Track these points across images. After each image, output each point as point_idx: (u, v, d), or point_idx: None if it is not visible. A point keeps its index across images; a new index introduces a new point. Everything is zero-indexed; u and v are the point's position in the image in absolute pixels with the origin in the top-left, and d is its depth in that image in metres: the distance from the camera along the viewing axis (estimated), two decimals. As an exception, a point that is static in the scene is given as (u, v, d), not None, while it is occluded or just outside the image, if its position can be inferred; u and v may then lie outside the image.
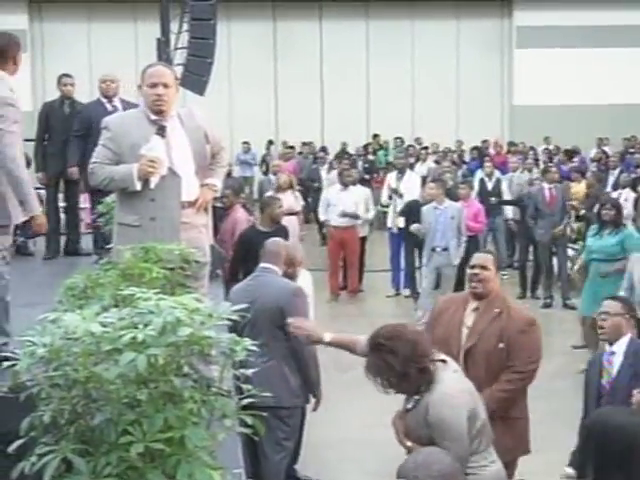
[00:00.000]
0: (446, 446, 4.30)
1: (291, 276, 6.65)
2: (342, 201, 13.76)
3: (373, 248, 15.91)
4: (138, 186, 5.22)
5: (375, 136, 26.28)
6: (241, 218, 10.60)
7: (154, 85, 5.25)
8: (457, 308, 5.74)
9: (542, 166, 17.41)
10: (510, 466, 5.45)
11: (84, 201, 10.50)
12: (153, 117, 5.31)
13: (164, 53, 13.20)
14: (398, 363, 4.42)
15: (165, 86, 5.26)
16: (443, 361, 4.60)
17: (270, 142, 26.60)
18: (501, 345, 5.52)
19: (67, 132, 9.42)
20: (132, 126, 5.32)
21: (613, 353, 5.71)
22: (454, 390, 4.47)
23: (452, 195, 12.89)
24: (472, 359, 5.52)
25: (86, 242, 9.96)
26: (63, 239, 10.15)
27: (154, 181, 5.25)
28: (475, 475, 4.50)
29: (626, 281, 8.57)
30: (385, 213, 15.38)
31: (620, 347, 5.69)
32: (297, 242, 9.99)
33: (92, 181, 5.47)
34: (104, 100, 9.44)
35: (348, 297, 14.10)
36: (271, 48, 27.55)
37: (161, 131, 5.30)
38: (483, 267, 5.68)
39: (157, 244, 4.21)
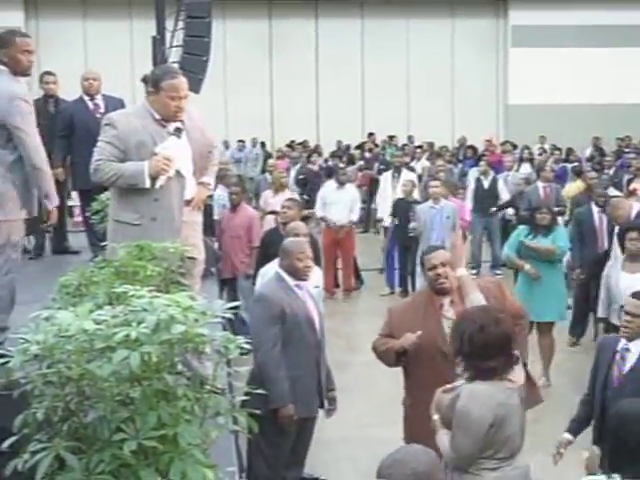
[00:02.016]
0: (457, 436, 4.50)
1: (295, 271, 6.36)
2: (339, 199, 13.82)
3: (367, 246, 15.93)
4: (148, 183, 5.18)
5: (370, 135, 26.25)
6: (256, 215, 10.74)
7: (177, 98, 5.26)
8: (426, 309, 5.69)
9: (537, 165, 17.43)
10: None
11: (74, 199, 10.45)
12: (157, 116, 5.31)
13: (159, 51, 13.14)
14: (482, 337, 4.49)
15: (185, 98, 5.33)
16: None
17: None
18: None
19: (53, 131, 9.10)
20: (138, 125, 5.30)
21: (628, 350, 5.60)
22: (491, 393, 4.50)
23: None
24: None
25: (77, 240, 9.92)
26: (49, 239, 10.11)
27: (162, 181, 5.23)
28: (474, 475, 4.55)
29: (603, 288, 8.57)
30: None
31: (637, 346, 5.57)
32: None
33: (97, 178, 5.36)
34: (86, 98, 9.31)
35: (343, 295, 14.10)
36: (266, 46, 27.55)
37: (177, 132, 5.30)
38: (443, 264, 5.65)
39: (153, 242, 4.21)
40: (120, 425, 2.45)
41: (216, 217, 11.05)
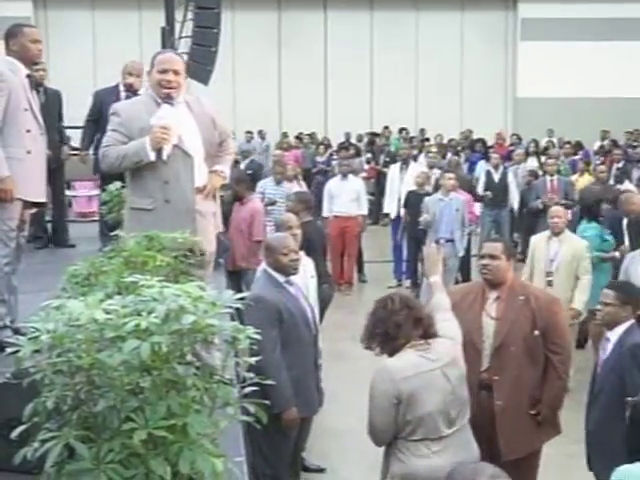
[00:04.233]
0: (369, 411, 4.72)
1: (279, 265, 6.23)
2: (343, 191, 13.82)
3: (375, 239, 15.92)
4: (152, 156, 5.18)
5: (386, 127, 26.03)
6: (260, 209, 10.72)
7: (164, 71, 5.29)
8: (475, 298, 5.73)
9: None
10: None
11: (89, 189, 10.44)
12: (160, 101, 5.31)
13: (168, 42, 13.16)
14: (371, 321, 4.82)
15: (175, 73, 5.32)
16: (427, 342, 4.71)
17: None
18: (536, 332, 5.57)
19: (46, 121, 9.03)
20: (141, 111, 5.32)
21: (608, 340, 5.69)
22: (396, 369, 4.58)
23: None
24: (507, 350, 5.53)
25: (81, 231, 9.94)
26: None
27: (167, 150, 5.22)
28: (400, 461, 4.61)
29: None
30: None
31: (614, 335, 5.66)
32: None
33: (104, 165, 5.40)
34: (122, 88, 9.30)
35: (347, 287, 14.09)
36: (275, 38, 27.53)
37: (169, 99, 5.30)
38: (492, 256, 5.70)
39: (167, 230, 4.20)
40: (130, 414, 2.44)
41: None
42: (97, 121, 9.14)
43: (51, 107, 9.40)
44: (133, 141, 5.25)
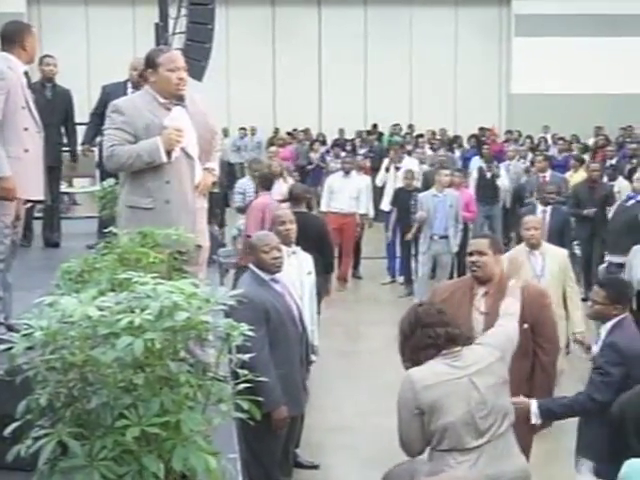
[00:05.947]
0: (397, 423, 4.50)
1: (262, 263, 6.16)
2: (345, 188, 13.77)
3: (369, 235, 15.91)
4: (165, 158, 5.14)
5: (374, 126, 26.03)
6: (271, 204, 10.68)
7: (176, 69, 5.25)
8: (463, 294, 5.70)
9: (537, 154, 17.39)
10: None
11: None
12: (162, 100, 5.29)
13: (162, 38, 13.13)
14: (402, 331, 4.61)
15: (184, 70, 5.31)
16: (458, 350, 4.56)
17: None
18: (525, 326, 5.50)
19: (49, 118, 8.41)
20: (143, 109, 5.28)
21: (599, 335, 5.67)
22: (417, 377, 4.44)
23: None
24: None
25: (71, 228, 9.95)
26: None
27: (176, 152, 5.20)
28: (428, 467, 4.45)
29: (626, 273, 8.36)
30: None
31: (604, 331, 5.62)
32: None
33: (112, 164, 5.30)
34: (129, 85, 9.25)
35: (342, 284, 14.06)
36: (269, 34, 27.49)
37: (181, 101, 5.28)
38: (480, 252, 5.67)
39: (166, 228, 4.20)
40: (123, 411, 2.45)
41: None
42: (102, 115, 9.07)
43: (57, 105, 9.35)
44: (143, 141, 5.18)
